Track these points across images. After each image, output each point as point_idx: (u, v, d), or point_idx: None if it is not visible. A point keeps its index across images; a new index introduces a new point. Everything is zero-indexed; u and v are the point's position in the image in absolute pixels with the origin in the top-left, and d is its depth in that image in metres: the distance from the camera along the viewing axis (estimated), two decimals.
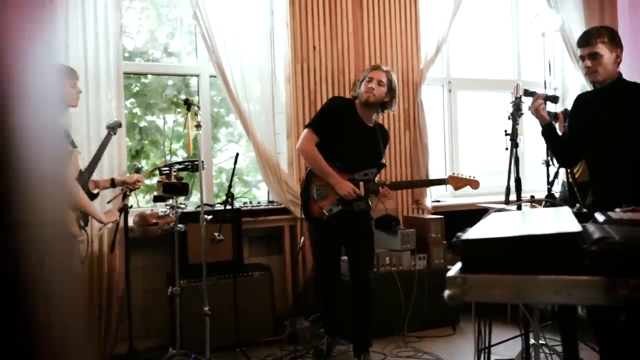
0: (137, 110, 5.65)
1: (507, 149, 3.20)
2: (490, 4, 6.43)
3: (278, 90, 5.02)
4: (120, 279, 4.33)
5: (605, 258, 1.26)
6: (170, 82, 5.62)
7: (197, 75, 5.06)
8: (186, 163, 3.89)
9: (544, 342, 3.50)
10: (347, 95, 4.53)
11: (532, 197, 3.60)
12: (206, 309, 3.72)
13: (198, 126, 3.72)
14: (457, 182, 4.13)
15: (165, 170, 3.80)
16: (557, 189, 4.90)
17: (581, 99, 3.42)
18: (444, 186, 5.99)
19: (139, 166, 4.07)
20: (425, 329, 4.68)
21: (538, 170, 5.22)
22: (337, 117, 3.91)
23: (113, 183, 3.90)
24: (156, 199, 3.84)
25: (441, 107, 6.07)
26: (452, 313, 4.82)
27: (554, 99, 3.61)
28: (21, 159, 0.52)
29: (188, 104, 3.72)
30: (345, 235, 3.97)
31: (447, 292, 1.33)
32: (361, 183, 3.88)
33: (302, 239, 4.81)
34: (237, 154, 4.14)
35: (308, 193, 3.94)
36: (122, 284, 4.31)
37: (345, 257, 4.15)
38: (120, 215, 3.79)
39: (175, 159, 5.75)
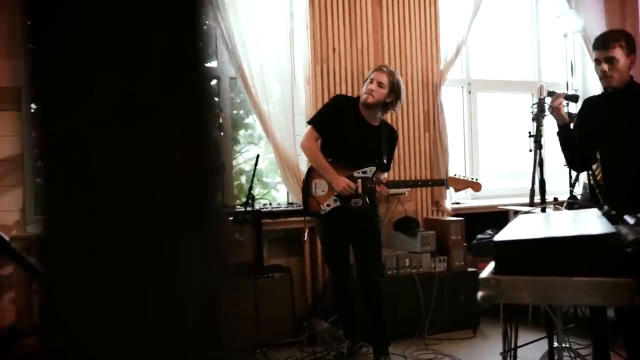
0: None
1: (530, 150, 3.18)
2: (509, 5, 6.40)
3: (298, 92, 5.03)
4: None
5: None
6: None
7: (218, 78, 5.08)
8: None
9: (567, 345, 3.48)
10: None
11: (556, 199, 3.57)
12: None
13: (219, 128, 3.73)
14: (457, 184, 4.11)
15: None
16: (577, 191, 4.86)
17: (590, 102, 3.38)
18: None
19: None
20: (445, 331, 4.66)
21: (558, 172, 5.18)
22: (338, 114, 3.95)
23: None
24: None
25: (461, 108, 6.04)
26: (472, 315, 4.79)
27: (574, 99, 3.58)
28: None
29: None
30: (349, 233, 3.97)
31: (480, 294, 1.32)
32: (359, 180, 3.89)
33: (307, 231, 4.74)
34: (258, 156, 4.15)
35: (307, 188, 4.01)
36: None
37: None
38: None
39: None
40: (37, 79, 0.49)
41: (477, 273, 4.86)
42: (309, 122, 4.07)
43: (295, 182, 4.84)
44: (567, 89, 4.91)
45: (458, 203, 5.64)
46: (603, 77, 3.11)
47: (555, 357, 3.27)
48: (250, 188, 4.15)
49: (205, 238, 0.52)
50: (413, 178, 5.33)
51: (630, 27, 5.86)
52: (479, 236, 5.30)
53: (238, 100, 5.62)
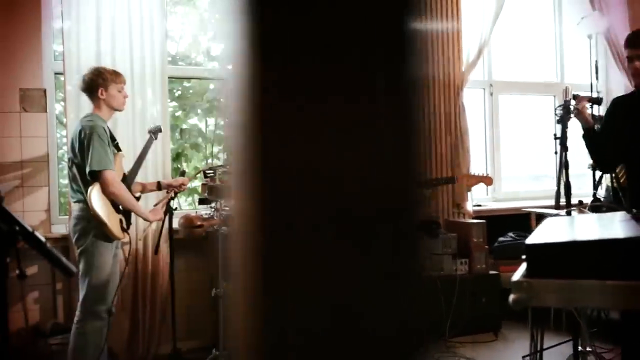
0: (179, 113, 5.72)
1: (556, 152, 3.16)
2: (532, 6, 6.35)
3: None
4: (164, 281, 4.39)
5: None
6: (212, 86, 5.68)
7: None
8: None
9: (591, 349, 3.45)
10: None
11: (580, 202, 3.54)
12: None
13: None
14: (469, 180, 4.09)
15: (209, 174, 3.84)
16: (600, 194, 4.81)
17: (618, 102, 3.34)
18: (484, 190, 5.97)
19: (184, 169, 4.12)
20: (466, 334, 4.63)
21: (580, 175, 5.14)
22: None
23: (159, 186, 3.97)
24: (201, 202, 3.89)
25: (482, 110, 6.01)
26: (494, 318, 4.77)
27: (598, 101, 3.54)
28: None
29: None
30: None
31: (512, 297, 1.32)
32: None
33: None
34: None
35: None
36: (165, 285, 4.37)
37: None
38: (165, 216, 3.84)
39: (216, 162, 5.80)
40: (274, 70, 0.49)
41: (498, 276, 4.85)
42: None
43: None
44: (591, 91, 4.86)
45: (479, 205, 5.61)
46: (635, 74, 3.08)
47: None
48: None
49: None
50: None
51: None
52: (501, 239, 5.27)
53: None
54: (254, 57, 0.48)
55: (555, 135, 3.24)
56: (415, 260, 0.51)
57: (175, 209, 3.95)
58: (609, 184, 4.74)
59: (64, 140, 4.66)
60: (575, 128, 3.36)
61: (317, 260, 0.49)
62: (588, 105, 3.33)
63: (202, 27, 5.73)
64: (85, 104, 3.70)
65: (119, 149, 3.67)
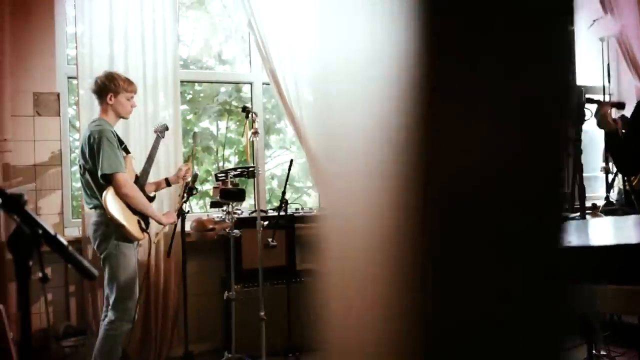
0: (190, 116, 5.75)
1: (569, 155, 3.14)
2: None
3: None
4: (175, 283, 4.40)
5: None
6: (222, 89, 5.70)
7: (251, 83, 5.13)
8: (242, 169, 3.94)
9: (605, 353, 3.43)
10: None
11: (594, 205, 3.52)
12: (262, 313, 3.75)
13: (255, 133, 3.76)
14: None
15: (221, 177, 3.86)
16: (613, 197, 4.79)
17: None
18: None
19: (196, 172, 4.14)
20: None
21: (591, 178, 5.11)
22: None
23: (168, 182, 4.00)
24: (213, 205, 3.90)
25: None
26: None
27: (621, 106, 3.52)
28: None
29: (247, 112, 3.76)
30: None
31: None
32: None
33: None
34: (292, 160, 4.17)
35: None
36: (177, 288, 4.39)
37: None
38: (178, 219, 3.86)
39: (227, 165, 5.83)
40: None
41: None
42: None
43: None
44: (603, 94, 4.84)
45: None
46: None
47: None
48: (284, 192, 4.17)
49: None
50: None
51: None
52: None
53: (270, 106, 5.65)
54: (425, 57, 0.47)
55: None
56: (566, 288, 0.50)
57: (188, 212, 3.96)
58: (621, 187, 4.71)
59: (76, 143, 4.69)
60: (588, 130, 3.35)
61: (481, 266, 0.48)
62: (612, 110, 3.32)
63: (213, 31, 5.76)
64: (98, 108, 3.73)
65: (127, 152, 3.69)
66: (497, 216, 0.48)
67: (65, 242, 1.25)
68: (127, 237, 3.46)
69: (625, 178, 4.16)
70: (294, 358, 4.15)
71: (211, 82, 5.59)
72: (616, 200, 4.86)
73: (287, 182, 4.21)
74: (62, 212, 4.40)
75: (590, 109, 3.28)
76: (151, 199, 3.81)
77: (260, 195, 4.81)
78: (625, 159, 3.34)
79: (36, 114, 4.33)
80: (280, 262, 4.43)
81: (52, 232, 1.24)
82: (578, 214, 2.82)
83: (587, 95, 3.34)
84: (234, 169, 3.92)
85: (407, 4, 0.48)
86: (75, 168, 4.62)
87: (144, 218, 3.64)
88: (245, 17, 4.72)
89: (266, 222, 3.86)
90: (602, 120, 3.23)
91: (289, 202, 4.37)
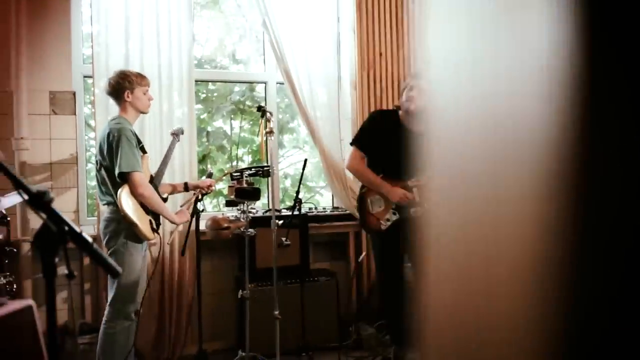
0: (204, 116, 5.76)
1: None
2: None
3: (344, 97, 5.04)
4: (190, 282, 4.42)
5: None
6: (236, 89, 5.71)
7: (265, 83, 5.13)
8: (257, 168, 3.95)
9: None
10: None
11: None
12: (276, 312, 3.76)
13: (270, 132, 3.77)
14: None
15: (236, 176, 3.86)
16: None
17: None
18: None
19: (211, 171, 4.15)
20: None
21: None
22: (380, 129, 3.94)
23: (186, 187, 4.00)
24: (228, 204, 3.91)
25: None
26: None
27: None
28: None
29: (262, 111, 3.77)
30: (407, 242, 3.94)
31: None
32: (415, 189, 3.87)
33: (363, 254, 4.84)
34: (306, 160, 4.17)
35: (364, 207, 3.98)
36: (192, 286, 4.40)
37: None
38: (191, 218, 3.87)
39: (240, 164, 5.84)
40: None
41: None
42: (351, 143, 4.05)
43: (341, 187, 4.85)
44: None
45: None
46: None
47: None
48: (298, 192, 4.17)
49: None
50: None
51: None
52: None
53: (283, 105, 5.65)
54: (582, 54, 0.45)
55: None
56: None
57: (202, 210, 3.97)
58: None
59: (92, 142, 4.71)
60: None
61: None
62: None
63: (227, 30, 5.77)
64: (113, 107, 3.74)
65: (144, 151, 3.70)
66: None
67: (90, 239, 1.26)
68: (137, 236, 3.46)
69: None
70: (307, 357, 4.15)
71: (226, 82, 5.60)
72: None
73: (301, 182, 4.21)
74: (78, 210, 4.43)
75: None
76: (164, 200, 3.82)
77: (274, 194, 4.81)
78: None
79: (52, 112, 4.35)
80: (293, 262, 4.44)
81: (77, 229, 1.24)
82: None
83: None
84: (249, 168, 3.93)
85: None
86: (91, 166, 4.65)
87: (156, 218, 3.65)
88: (259, 17, 4.73)
89: (281, 222, 3.86)
90: None
91: (303, 201, 4.38)
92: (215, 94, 5.83)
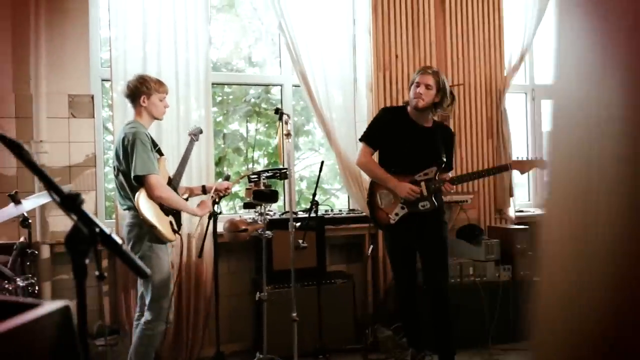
0: (220, 118, 5.78)
1: None
2: None
3: (359, 99, 5.04)
4: (207, 284, 4.43)
5: None
6: (252, 91, 5.73)
7: (281, 85, 5.15)
8: (274, 171, 3.95)
9: None
10: None
11: None
12: (294, 314, 3.76)
13: (288, 135, 3.78)
14: (522, 166, 4.02)
15: (254, 178, 3.87)
16: None
17: None
18: (526, 195, 5.89)
19: (228, 174, 4.16)
20: (510, 341, 4.57)
21: None
22: (389, 125, 3.97)
23: (204, 190, 4.01)
24: (246, 206, 3.92)
25: (524, 115, 5.94)
26: None
27: None
28: None
29: (280, 114, 3.78)
30: (416, 239, 3.93)
31: None
32: (422, 183, 3.87)
33: (371, 247, 4.83)
34: (322, 162, 4.18)
35: (373, 202, 4.01)
36: (209, 288, 4.42)
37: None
38: (209, 220, 3.88)
39: (256, 166, 5.85)
40: None
41: None
42: (360, 139, 4.09)
43: (357, 189, 4.85)
44: None
45: (522, 211, 5.54)
46: None
47: None
48: (314, 194, 4.18)
49: None
50: (477, 185, 5.29)
51: None
52: None
53: (299, 107, 5.66)
54: None
55: None
56: None
57: (220, 213, 3.98)
58: None
59: (109, 145, 4.75)
60: None
61: None
62: None
63: (243, 33, 5.79)
64: (132, 111, 3.76)
65: (161, 154, 3.72)
66: None
67: (119, 241, 1.27)
68: (160, 239, 3.49)
69: None
70: (325, 359, 4.15)
71: (242, 85, 5.62)
72: None
73: (317, 184, 4.22)
74: (96, 212, 4.46)
75: None
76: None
77: (291, 196, 4.82)
78: None
79: (71, 115, 4.39)
80: (310, 264, 4.44)
81: (107, 230, 1.25)
82: None
83: None
84: (267, 171, 3.94)
85: None
86: (108, 169, 4.68)
87: (176, 219, 3.67)
88: (275, 19, 4.74)
89: (298, 224, 3.87)
90: None
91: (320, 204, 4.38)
92: (231, 97, 5.85)
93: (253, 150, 5.86)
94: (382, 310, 4.88)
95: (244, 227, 3.82)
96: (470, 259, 4.72)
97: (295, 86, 5.04)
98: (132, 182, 3.47)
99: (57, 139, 4.33)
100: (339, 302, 4.55)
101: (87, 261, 1.25)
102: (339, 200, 5.77)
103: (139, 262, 1.34)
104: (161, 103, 3.67)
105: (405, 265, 4.00)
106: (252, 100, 5.78)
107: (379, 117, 4.11)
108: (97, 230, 1.24)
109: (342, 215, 5.00)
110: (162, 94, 3.67)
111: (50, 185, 1.27)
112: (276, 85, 5.32)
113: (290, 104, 5.12)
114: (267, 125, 5.96)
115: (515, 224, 5.27)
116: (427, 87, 3.85)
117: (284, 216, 4.66)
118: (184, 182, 4.04)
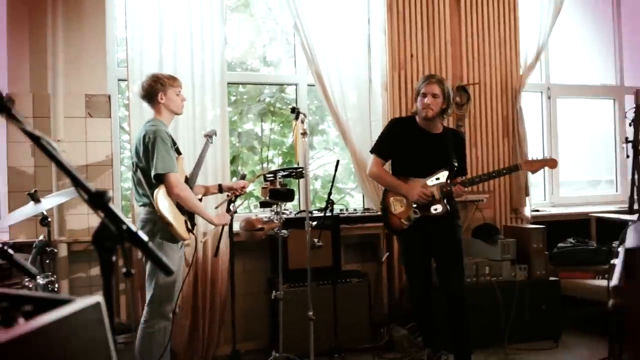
0: (234, 118, 5.80)
1: (628, 156, 3.09)
2: (590, 7, 6.23)
3: (374, 98, 5.04)
4: (223, 282, 4.45)
5: None
6: (266, 90, 5.74)
7: (296, 84, 5.15)
8: (290, 170, 3.96)
9: None
10: None
11: None
12: (310, 313, 3.77)
13: (304, 134, 3.78)
14: (532, 166, 4.00)
15: (270, 177, 3.88)
16: None
17: None
18: (542, 194, 5.87)
19: (244, 173, 4.17)
20: (525, 341, 4.56)
21: None
22: (398, 135, 4.00)
23: (220, 189, 4.03)
24: (262, 205, 3.93)
25: (540, 114, 5.92)
26: (554, 326, 4.68)
27: None
28: None
29: (297, 113, 3.78)
30: (431, 243, 3.93)
31: (612, 302, 1.30)
32: (434, 187, 3.87)
33: (387, 254, 4.84)
34: (338, 161, 4.18)
35: (386, 208, 4.02)
36: (225, 287, 4.43)
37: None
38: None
39: (271, 166, 5.86)
40: None
41: (558, 282, 4.76)
42: (371, 151, 4.14)
43: (372, 188, 4.84)
44: None
45: (537, 210, 5.52)
46: None
47: None
48: (330, 193, 4.18)
49: None
50: (493, 184, 5.26)
51: None
52: (560, 245, 5.17)
53: (313, 107, 5.67)
54: None
55: (627, 138, 3.17)
56: None
57: (235, 212, 3.99)
58: None
59: (126, 145, 4.77)
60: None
61: None
62: None
63: (257, 33, 5.80)
64: (147, 110, 3.78)
65: (179, 153, 3.73)
66: None
67: (145, 238, 1.28)
68: (173, 237, 3.49)
69: None
70: (340, 358, 4.15)
71: (257, 84, 5.64)
72: None
73: (333, 183, 4.22)
74: None
75: None
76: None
77: (307, 195, 4.82)
78: None
79: (88, 115, 4.42)
80: (325, 263, 4.44)
81: (133, 228, 1.26)
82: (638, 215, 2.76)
83: None
84: (283, 170, 3.95)
85: None
86: (124, 168, 4.71)
87: (190, 218, 3.68)
88: (290, 19, 4.75)
89: (314, 223, 3.87)
90: None
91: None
92: (245, 96, 5.86)
93: (268, 150, 5.87)
94: (397, 309, 4.88)
95: (260, 226, 3.83)
96: (486, 258, 4.71)
97: (310, 85, 5.05)
98: (150, 179, 3.48)
99: (75, 139, 4.36)
100: (354, 301, 4.55)
101: (114, 258, 1.27)
102: (353, 200, 5.76)
103: (165, 259, 1.34)
104: (178, 97, 3.68)
105: (420, 270, 3.99)
106: (267, 99, 5.79)
107: (388, 128, 4.13)
108: (124, 227, 1.25)
109: (357, 214, 5.00)
110: (177, 88, 3.68)
111: (77, 183, 1.28)
112: (291, 84, 5.32)
113: (305, 104, 5.12)
114: (281, 124, 5.97)
115: (531, 223, 5.24)
116: (434, 96, 3.87)
117: (299, 215, 4.66)
118: (199, 182, 4.06)
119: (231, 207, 3.90)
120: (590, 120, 6.31)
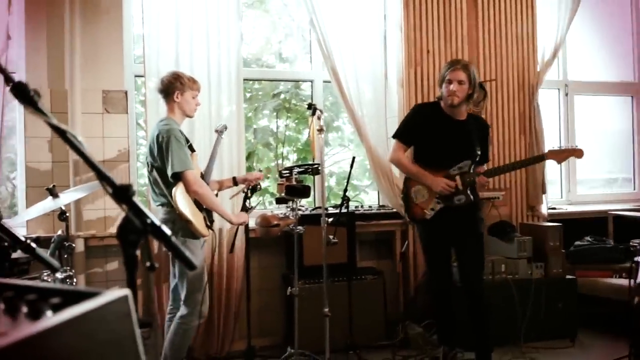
0: (250, 114, 5.80)
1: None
2: (608, 3, 6.16)
3: (390, 94, 5.02)
4: (238, 278, 4.46)
5: None
6: (281, 87, 5.74)
7: (312, 81, 5.15)
8: (306, 166, 3.96)
9: None
10: None
11: None
12: (326, 310, 3.76)
13: (320, 130, 3.78)
14: (558, 155, 3.94)
15: (286, 173, 3.88)
16: None
17: None
18: (559, 192, 5.82)
19: (260, 169, 4.18)
20: (541, 339, 4.53)
21: None
22: (422, 121, 3.94)
23: (235, 181, 4.05)
24: (278, 201, 3.93)
25: (557, 111, 5.87)
26: (570, 325, 4.64)
27: None
28: None
29: (313, 109, 3.78)
30: (452, 234, 3.90)
31: (638, 299, 1.28)
32: (457, 177, 3.83)
33: (406, 243, 4.82)
34: (354, 158, 4.16)
35: (408, 197, 3.98)
36: (240, 283, 4.44)
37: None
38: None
39: (286, 162, 5.86)
40: None
41: (575, 281, 4.72)
42: (393, 136, 4.07)
43: (387, 185, 4.83)
44: None
45: (554, 208, 5.48)
46: None
47: None
48: (346, 190, 4.17)
49: None
50: (509, 181, 5.24)
51: None
52: (577, 243, 5.13)
53: (328, 103, 5.65)
54: None
55: None
56: None
57: (251, 208, 3.99)
58: None
59: (142, 141, 4.79)
60: None
61: None
62: None
63: (273, 29, 5.80)
64: (164, 107, 3.79)
65: (192, 150, 3.75)
66: None
67: (169, 232, 1.28)
68: (194, 234, 3.51)
69: None
70: (355, 355, 4.15)
71: (273, 80, 5.64)
72: None
73: (350, 180, 4.21)
74: None
75: None
76: None
77: (323, 192, 4.82)
78: None
79: (105, 111, 4.44)
80: (340, 260, 4.44)
81: (157, 222, 1.26)
82: None
83: None
84: (299, 166, 3.94)
85: None
86: (140, 164, 4.73)
87: (209, 215, 3.69)
88: (307, 15, 4.74)
89: (330, 219, 3.87)
90: None
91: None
92: (260, 93, 5.86)
93: (283, 146, 5.87)
94: (412, 306, 4.86)
95: (276, 222, 3.83)
96: (502, 256, 4.68)
97: (326, 82, 5.04)
98: (166, 178, 3.49)
99: (92, 134, 4.38)
100: (369, 298, 4.54)
101: (137, 252, 1.27)
102: (368, 197, 5.75)
103: (188, 254, 1.34)
104: (193, 100, 3.70)
105: (441, 261, 3.97)
106: (282, 96, 5.79)
107: (412, 114, 4.07)
108: (148, 221, 1.25)
109: (373, 211, 4.99)
110: (195, 92, 3.71)
111: (102, 176, 1.28)
112: (307, 80, 5.31)
113: (320, 100, 5.12)
114: (296, 121, 5.96)
115: (548, 221, 5.21)
116: (460, 82, 3.80)
117: (315, 212, 4.66)
118: (214, 177, 4.07)
119: (247, 204, 3.90)
120: (607, 117, 6.25)
